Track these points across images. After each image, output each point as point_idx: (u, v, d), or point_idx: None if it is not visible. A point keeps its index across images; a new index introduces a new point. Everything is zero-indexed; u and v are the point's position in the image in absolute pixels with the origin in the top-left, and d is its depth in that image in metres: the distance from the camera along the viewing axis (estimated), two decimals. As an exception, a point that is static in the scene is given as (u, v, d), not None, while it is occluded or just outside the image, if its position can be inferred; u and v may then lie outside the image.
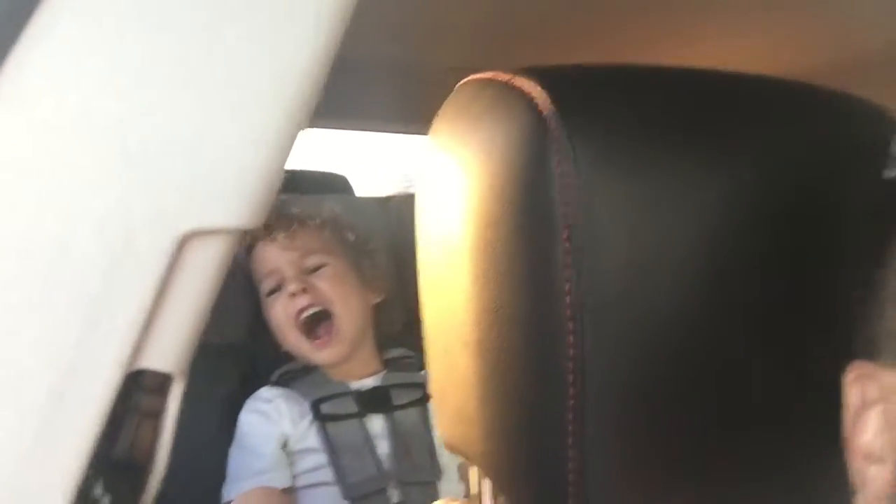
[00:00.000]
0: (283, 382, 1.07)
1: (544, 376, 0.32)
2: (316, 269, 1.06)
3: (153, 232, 0.30)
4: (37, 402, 0.29)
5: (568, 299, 0.31)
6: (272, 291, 1.05)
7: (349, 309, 1.05)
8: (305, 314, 1.03)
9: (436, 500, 1.02)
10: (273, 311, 1.05)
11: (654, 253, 0.31)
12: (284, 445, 1.02)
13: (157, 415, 0.31)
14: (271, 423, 1.02)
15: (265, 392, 1.06)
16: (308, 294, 1.03)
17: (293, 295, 1.03)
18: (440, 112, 0.40)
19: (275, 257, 1.05)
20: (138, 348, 0.30)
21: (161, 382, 0.31)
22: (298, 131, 0.31)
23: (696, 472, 0.33)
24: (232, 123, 0.30)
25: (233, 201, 0.31)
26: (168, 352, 0.31)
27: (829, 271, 0.34)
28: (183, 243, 0.31)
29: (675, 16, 0.70)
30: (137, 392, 0.31)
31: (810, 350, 0.34)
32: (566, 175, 0.31)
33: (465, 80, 0.39)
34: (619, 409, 0.32)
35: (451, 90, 0.40)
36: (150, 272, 0.30)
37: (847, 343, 0.32)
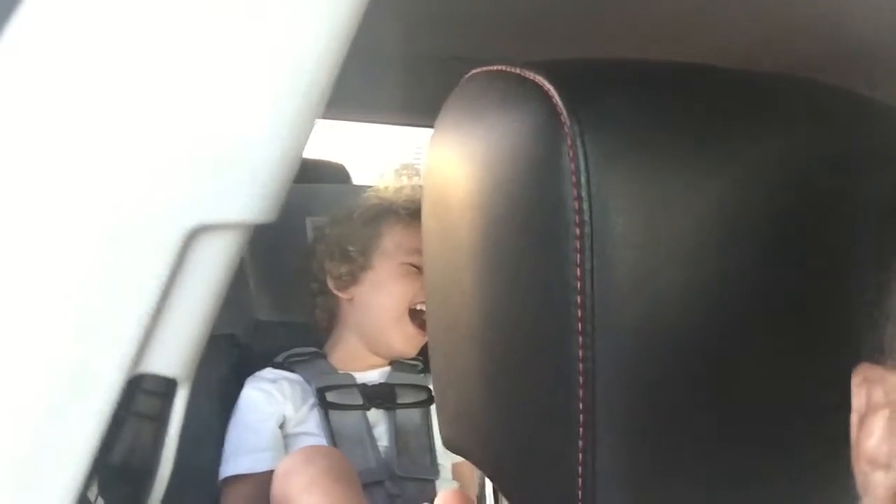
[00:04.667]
0: (288, 366, 1.07)
1: (553, 376, 0.31)
2: None
3: (159, 227, 0.29)
4: (37, 407, 0.29)
5: (578, 298, 0.30)
6: (412, 266, 1.07)
7: None
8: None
9: (432, 498, 1.02)
10: (401, 283, 1.06)
11: (666, 251, 0.31)
12: (281, 426, 1.02)
13: (158, 419, 0.31)
14: (273, 402, 1.02)
15: (269, 373, 1.06)
16: None
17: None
18: (445, 104, 0.39)
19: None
20: (142, 351, 0.29)
21: (164, 386, 0.30)
22: (312, 125, 0.30)
23: (707, 473, 0.33)
24: (243, 117, 0.29)
25: (243, 195, 0.30)
26: (173, 355, 0.30)
27: (839, 272, 0.34)
28: (190, 239, 0.30)
29: (675, 10, 0.69)
30: (138, 396, 0.30)
31: (820, 351, 0.34)
32: (579, 171, 0.30)
33: (472, 72, 0.38)
34: (631, 409, 0.31)
35: (454, 81, 0.39)
36: (155, 269, 0.29)
37: (856, 345, 0.32)
